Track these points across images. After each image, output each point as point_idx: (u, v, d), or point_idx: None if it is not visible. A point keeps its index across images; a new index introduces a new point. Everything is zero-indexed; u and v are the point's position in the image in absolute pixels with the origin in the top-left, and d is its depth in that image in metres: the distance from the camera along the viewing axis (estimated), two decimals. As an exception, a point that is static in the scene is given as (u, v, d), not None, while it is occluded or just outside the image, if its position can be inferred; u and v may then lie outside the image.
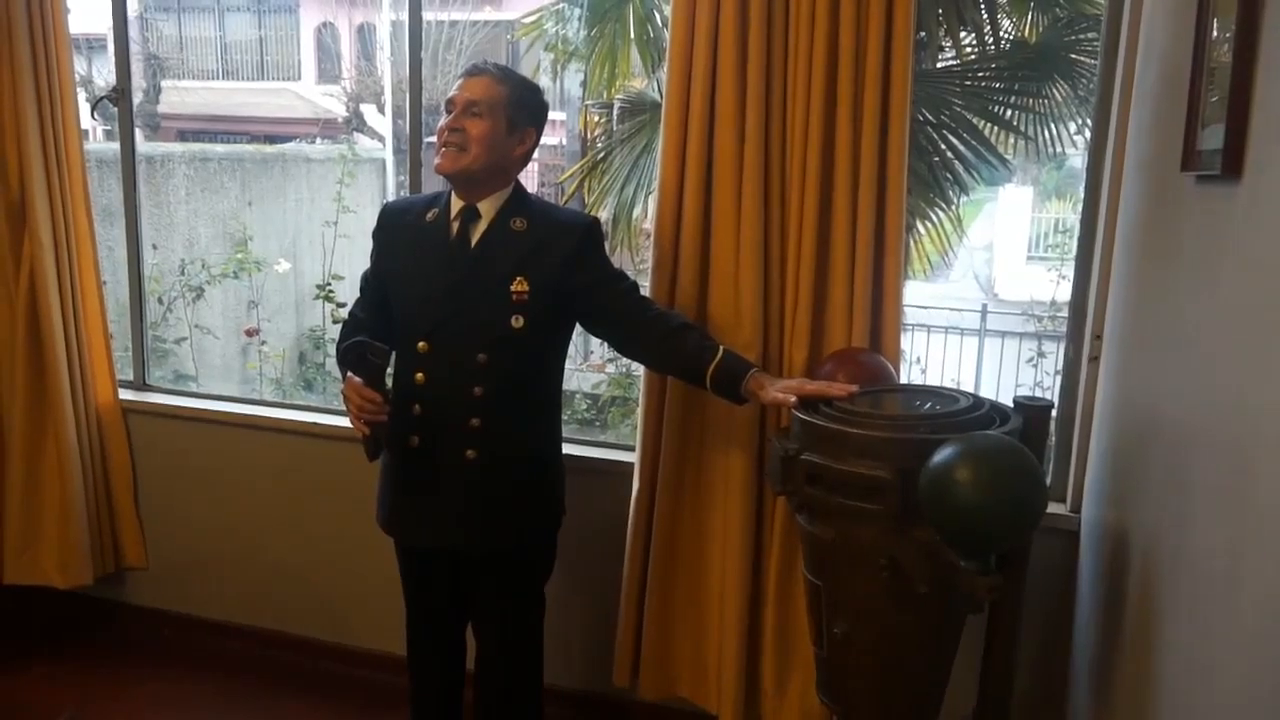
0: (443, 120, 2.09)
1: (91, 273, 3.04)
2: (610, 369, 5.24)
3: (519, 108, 2.09)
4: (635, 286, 2.15)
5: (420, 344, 2.10)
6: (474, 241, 2.10)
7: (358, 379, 2.01)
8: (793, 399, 1.91)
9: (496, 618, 2.25)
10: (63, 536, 3.02)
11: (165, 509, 3.17)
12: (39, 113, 2.87)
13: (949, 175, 3.83)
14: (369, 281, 2.28)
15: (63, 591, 3.06)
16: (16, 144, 2.86)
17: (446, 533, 2.15)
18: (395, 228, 2.21)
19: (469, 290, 2.08)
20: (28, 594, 3.09)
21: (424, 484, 2.15)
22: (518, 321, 2.06)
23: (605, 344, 2.69)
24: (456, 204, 2.12)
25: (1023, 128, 3.86)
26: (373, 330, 2.15)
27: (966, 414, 1.83)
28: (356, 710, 2.84)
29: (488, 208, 2.11)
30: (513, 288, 2.06)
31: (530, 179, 9.27)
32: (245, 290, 5.03)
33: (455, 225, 2.11)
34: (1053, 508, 2.30)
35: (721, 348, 2.06)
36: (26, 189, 2.88)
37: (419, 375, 2.10)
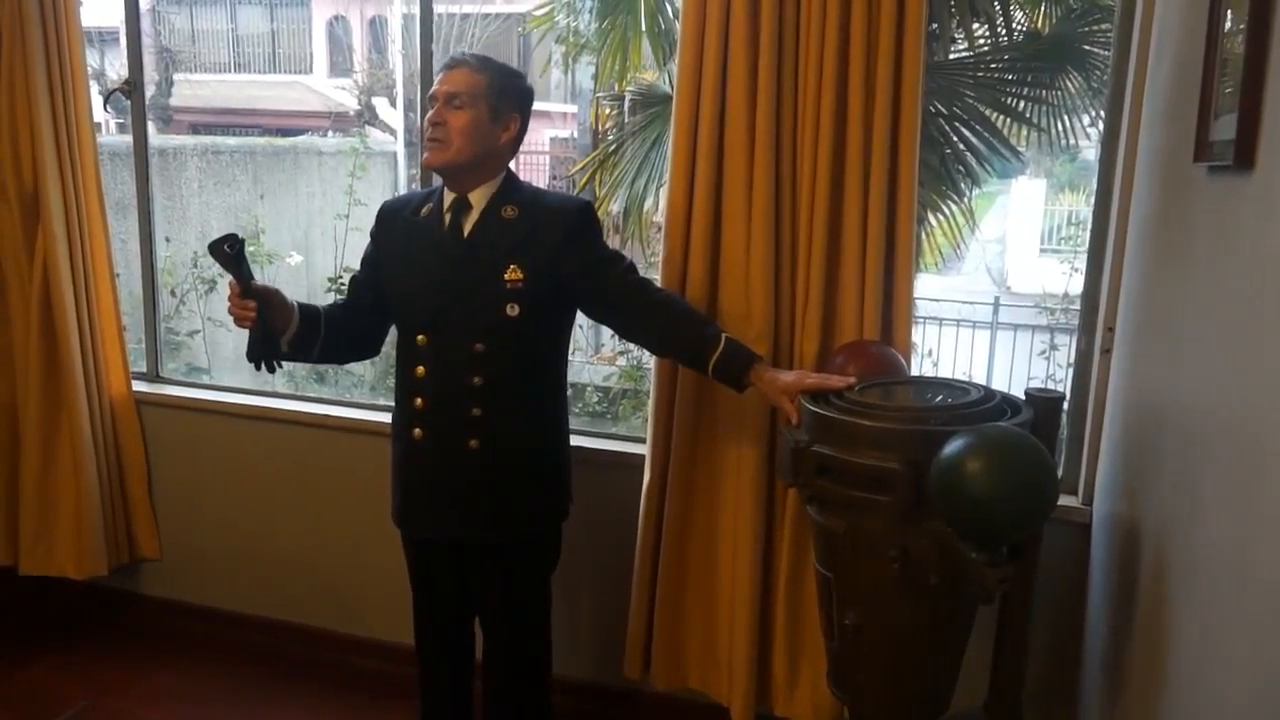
0: (426, 115, 2.10)
1: (105, 265, 3.06)
2: (621, 362, 5.25)
3: (500, 95, 2.09)
4: (633, 267, 2.14)
5: (419, 337, 2.11)
6: (466, 232, 2.11)
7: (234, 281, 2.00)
8: (795, 419, 1.94)
9: (502, 609, 2.25)
10: (77, 528, 3.05)
11: (178, 500, 3.19)
12: (52, 106, 2.89)
13: (961, 167, 3.82)
14: (354, 276, 2.31)
15: (78, 582, 3.09)
16: (30, 137, 2.88)
17: (452, 523, 2.16)
18: (391, 225, 2.23)
19: (463, 281, 2.08)
20: (43, 584, 3.12)
21: (429, 476, 2.16)
22: (513, 309, 2.06)
23: (615, 334, 2.70)
24: (449, 197, 2.13)
25: (1035, 120, 3.84)
26: (344, 314, 2.23)
27: (978, 406, 1.83)
28: (367, 700, 2.86)
29: (478, 198, 2.11)
30: (506, 276, 2.06)
31: (541, 172, 9.29)
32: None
33: (448, 217, 2.12)
34: (1064, 500, 2.30)
35: (724, 336, 2.06)
36: (40, 182, 2.90)
37: (419, 369, 2.12)
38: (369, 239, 2.28)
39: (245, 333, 2.05)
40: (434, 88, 2.10)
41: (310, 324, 2.14)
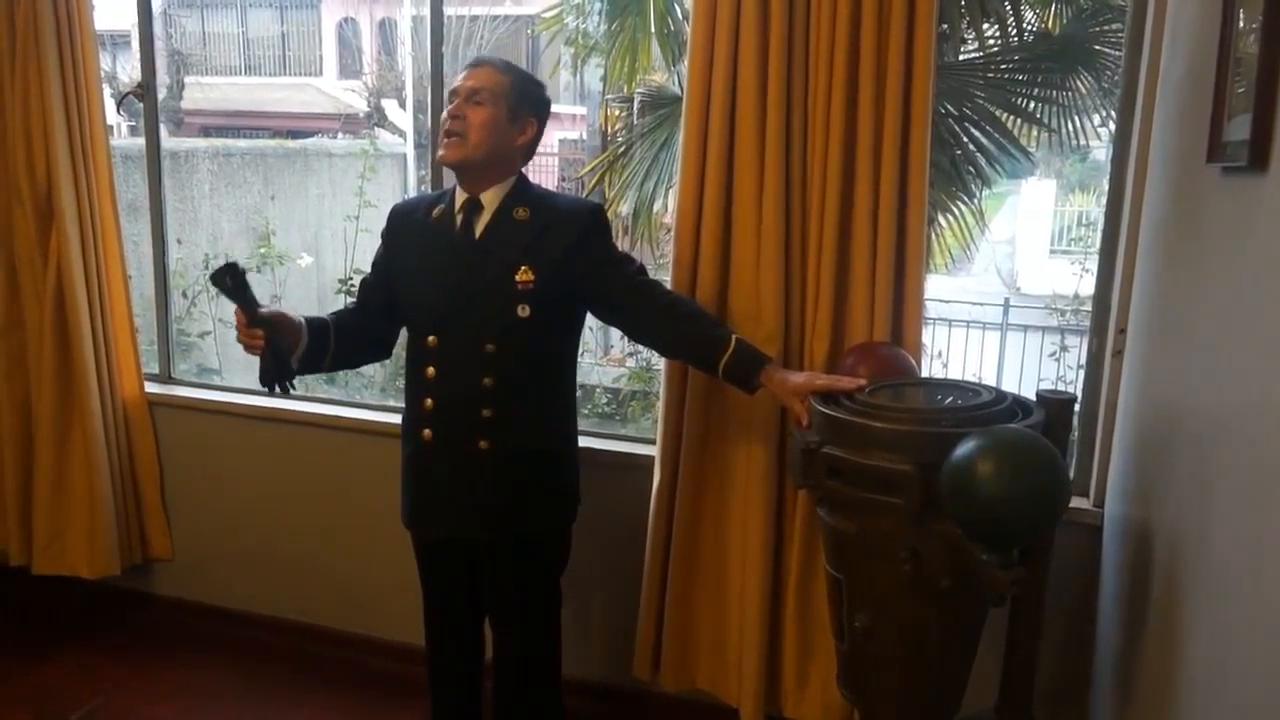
0: (445, 110, 2.11)
1: (117, 267, 3.07)
2: (631, 363, 5.26)
3: (520, 97, 2.11)
4: (642, 270, 2.15)
5: (430, 338, 2.11)
6: (478, 233, 2.11)
7: (239, 311, 2.00)
8: (805, 421, 1.93)
9: (512, 610, 2.26)
10: (90, 528, 3.06)
11: (190, 501, 3.20)
12: (65, 109, 2.90)
13: (971, 168, 3.82)
14: (365, 279, 2.31)
15: (90, 582, 3.10)
16: (44, 140, 2.89)
17: (462, 524, 2.16)
18: (403, 227, 2.23)
19: (474, 281, 2.09)
20: (56, 584, 3.14)
21: (439, 477, 2.16)
22: (524, 310, 2.07)
23: (624, 336, 2.70)
24: (461, 197, 2.14)
25: (1046, 120, 3.83)
26: (353, 320, 2.24)
27: (988, 407, 1.83)
28: (377, 700, 2.86)
29: (491, 199, 2.12)
30: (518, 277, 2.07)
31: (550, 174, 9.29)
32: (268, 285, 5.05)
33: (459, 218, 2.13)
34: (1076, 502, 2.29)
35: (734, 337, 2.06)
36: (53, 185, 2.91)
37: (430, 370, 2.12)
38: (380, 241, 2.29)
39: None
40: (456, 83, 2.11)
41: (319, 338, 2.15)
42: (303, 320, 2.13)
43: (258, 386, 3.15)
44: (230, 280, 1.95)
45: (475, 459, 2.11)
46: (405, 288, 2.19)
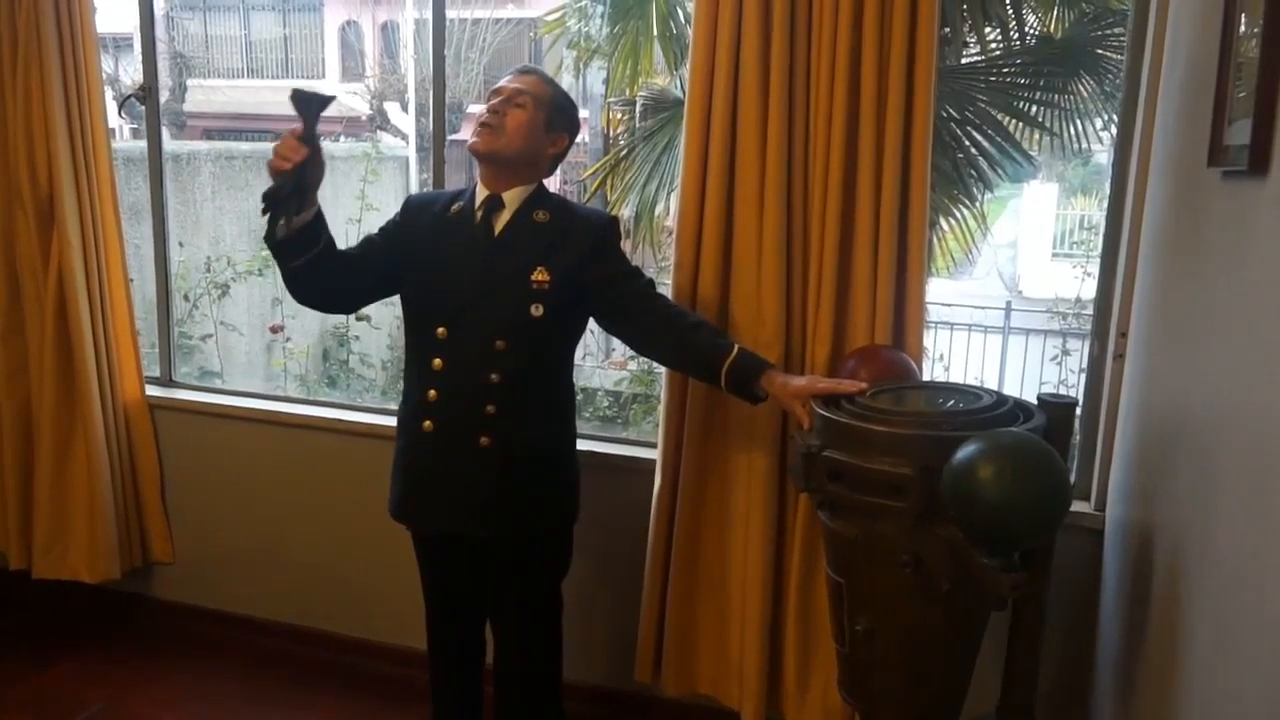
0: (484, 105, 2.12)
1: (119, 270, 3.07)
2: (632, 366, 5.26)
3: (559, 111, 2.16)
4: (651, 283, 2.16)
5: (439, 330, 2.11)
6: (497, 230, 2.12)
7: (300, 127, 1.93)
8: (806, 423, 1.93)
9: (513, 614, 2.26)
10: (91, 531, 3.06)
11: (191, 504, 3.20)
12: (67, 112, 2.90)
13: (973, 171, 3.82)
14: (370, 237, 2.26)
15: (91, 586, 3.10)
16: (45, 143, 2.90)
17: (458, 518, 2.16)
18: (418, 219, 2.23)
19: (491, 277, 2.10)
20: (57, 588, 3.14)
21: (435, 470, 2.16)
22: (537, 310, 2.08)
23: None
24: (482, 194, 2.15)
25: (1048, 124, 3.84)
26: (343, 257, 2.14)
27: (990, 411, 1.82)
28: (378, 704, 2.86)
29: (512, 199, 2.13)
30: (534, 276, 2.08)
31: (553, 176, 9.30)
32: (270, 287, 5.06)
33: (479, 214, 2.14)
34: (1077, 506, 2.29)
35: (737, 346, 2.07)
36: (55, 187, 2.91)
37: (437, 361, 2.12)
38: (393, 220, 2.26)
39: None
40: (500, 83, 2.15)
41: (320, 228, 2.06)
42: (319, 206, 2.05)
43: (258, 390, 3.16)
44: (317, 104, 1.91)
45: (475, 455, 2.11)
46: (417, 278, 2.18)
